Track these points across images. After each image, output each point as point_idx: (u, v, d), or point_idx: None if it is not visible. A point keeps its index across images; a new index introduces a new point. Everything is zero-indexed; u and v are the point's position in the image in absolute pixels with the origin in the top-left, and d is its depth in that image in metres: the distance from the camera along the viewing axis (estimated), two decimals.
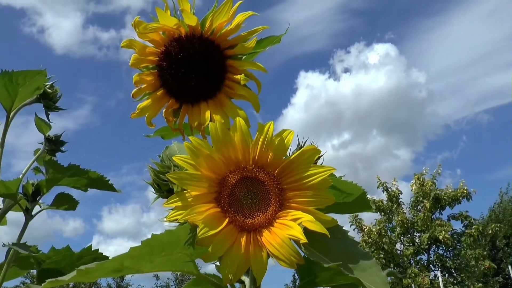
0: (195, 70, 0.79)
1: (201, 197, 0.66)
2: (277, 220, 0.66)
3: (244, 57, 0.81)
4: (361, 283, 0.61)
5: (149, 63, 0.79)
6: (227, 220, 0.65)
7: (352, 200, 0.93)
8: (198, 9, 0.77)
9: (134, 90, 0.80)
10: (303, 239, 0.62)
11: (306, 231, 0.64)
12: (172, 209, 0.65)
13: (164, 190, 0.76)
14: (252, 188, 0.68)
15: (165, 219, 0.66)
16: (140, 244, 0.60)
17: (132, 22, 0.74)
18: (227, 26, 0.77)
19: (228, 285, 0.72)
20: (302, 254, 0.65)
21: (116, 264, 0.59)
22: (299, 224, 0.64)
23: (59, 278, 0.57)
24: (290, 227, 0.64)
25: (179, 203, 0.65)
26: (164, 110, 0.82)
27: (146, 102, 0.81)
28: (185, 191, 0.65)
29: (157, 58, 0.79)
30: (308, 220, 0.64)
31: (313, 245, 0.66)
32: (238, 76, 0.78)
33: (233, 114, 0.79)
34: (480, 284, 12.67)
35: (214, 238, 0.64)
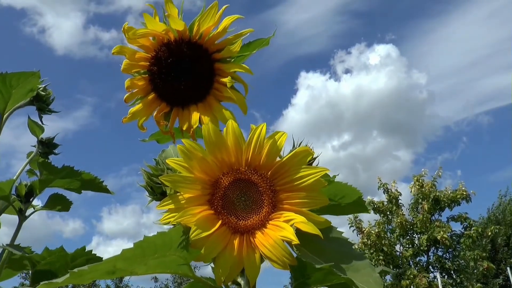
0: (184, 74, 0.79)
1: (194, 199, 0.66)
2: (270, 222, 0.67)
3: (232, 60, 0.81)
4: (354, 284, 0.62)
5: (140, 68, 0.80)
6: (220, 222, 0.66)
7: (348, 201, 0.93)
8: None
9: (126, 95, 0.81)
10: (295, 240, 0.62)
11: (299, 232, 0.64)
12: (166, 212, 0.65)
13: (158, 193, 0.76)
14: (245, 190, 0.68)
15: (159, 222, 0.67)
16: (132, 246, 0.60)
17: (122, 28, 0.75)
18: (214, 30, 0.78)
19: (222, 286, 0.72)
20: (295, 255, 0.66)
21: (109, 266, 0.59)
22: (291, 225, 0.64)
23: (53, 280, 0.57)
24: (282, 228, 0.64)
25: (172, 206, 0.65)
26: (155, 114, 0.83)
27: (137, 107, 0.82)
28: (178, 194, 0.66)
29: (148, 63, 0.80)
30: (300, 221, 0.64)
31: (306, 246, 0.67)
32: (225, 79, 0.79)
33: (221, 116, 0.80)
34: (480, 285, 12.64)
35: (207, 240, 0.64)
